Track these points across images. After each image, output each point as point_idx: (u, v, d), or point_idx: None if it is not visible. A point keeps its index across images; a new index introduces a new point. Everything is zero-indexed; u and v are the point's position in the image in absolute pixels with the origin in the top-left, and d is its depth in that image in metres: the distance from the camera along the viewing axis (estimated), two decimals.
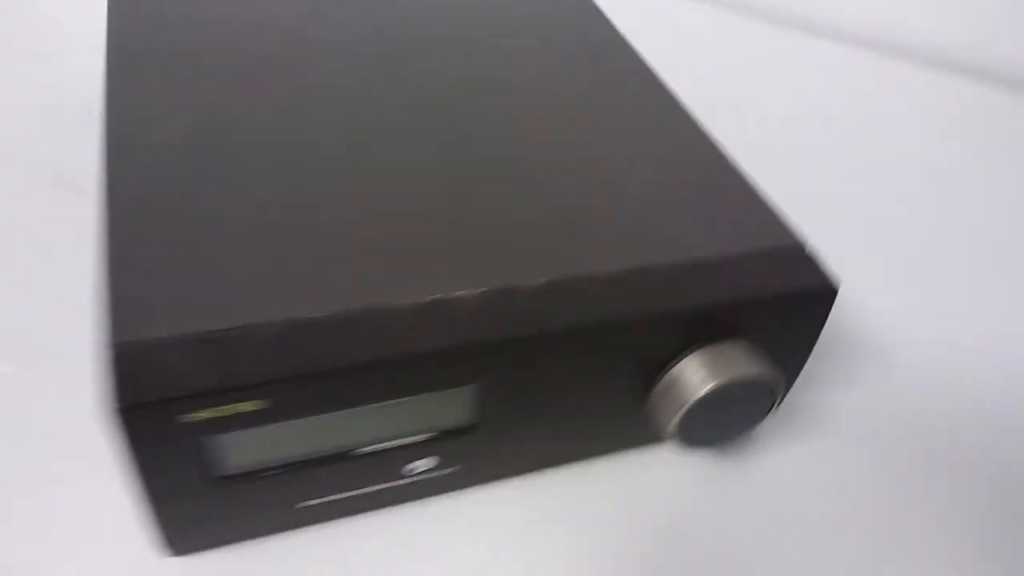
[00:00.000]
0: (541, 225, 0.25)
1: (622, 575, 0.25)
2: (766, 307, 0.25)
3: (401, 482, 0.25)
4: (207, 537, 0.24)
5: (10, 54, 0.45)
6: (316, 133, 0.27)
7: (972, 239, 0.40)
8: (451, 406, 0.23)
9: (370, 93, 0.30)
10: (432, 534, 0.25)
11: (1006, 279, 0.38)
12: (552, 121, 0.30)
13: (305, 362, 0.21)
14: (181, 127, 0.27)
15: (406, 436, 0.24)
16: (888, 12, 0.58)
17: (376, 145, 0.27)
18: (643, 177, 0.28)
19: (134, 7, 0.33)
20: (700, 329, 0.25)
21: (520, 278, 0.23)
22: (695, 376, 0.25)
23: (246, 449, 0.22)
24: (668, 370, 0.25)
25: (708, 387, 0.24)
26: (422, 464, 0.25)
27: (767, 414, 0.27)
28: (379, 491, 0.25)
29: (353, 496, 0.25)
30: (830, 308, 0.26)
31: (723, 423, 0.26)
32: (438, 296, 0.22)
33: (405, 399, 0.22)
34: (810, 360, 0.28)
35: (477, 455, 0.25)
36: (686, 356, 0.25)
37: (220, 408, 0.20)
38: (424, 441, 0.24)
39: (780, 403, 0.27)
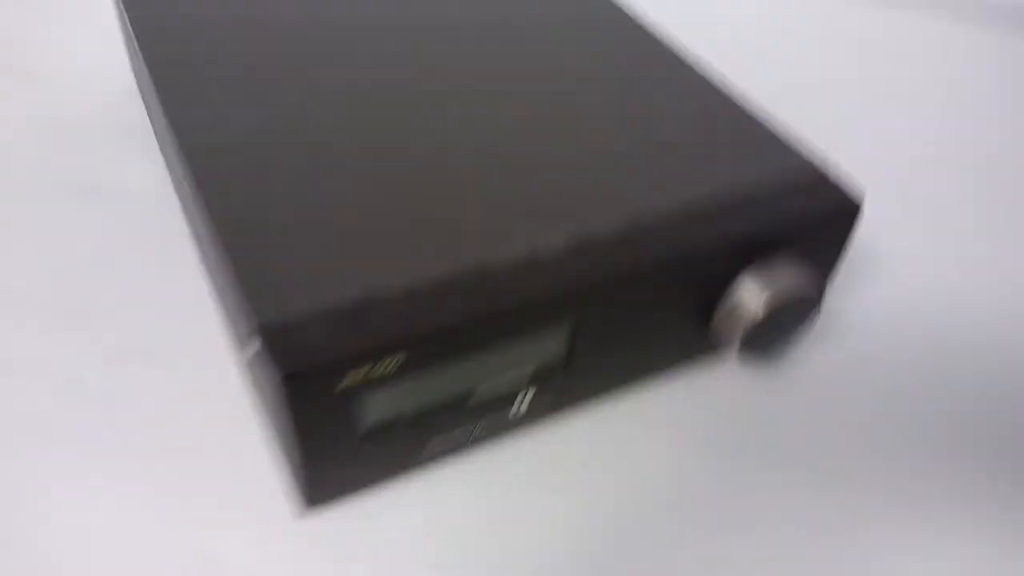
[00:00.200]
0: (598, 174, 0.28)
1: (707, 470, 0.29)
2: (805, 225, 0.28)
3: (505, 417, 0.27)
4: (342, 488, 0.26)
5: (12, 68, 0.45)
6: (374, 115, 0.29)
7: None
8: (549, 345, 0.26)
9: (408, 74, 0.32)
10: (537, 461, 0.28)
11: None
12: (583, 88, 0.32)
13: (436, 318, 0.23)
14: (247, 121, 0.29)
15: (513, 375, 0.26)
16: None
17: (431, 118, 0.29)
18: (677, 127, 0.30)
19: (156, 13, 0.34)
20: (753, 251, 0.28)
21: (596, 222, 0.26)
22: (755, 294, 0.28)
23: (385, 404, 0.24)
24: (730, 291, 0.28)
25: (768, 302, 0.27)
26: (524, 399, 0.27)
27: (812, 322, 0.30)
28: (487, 427, 0.27)
29: (465, 435, 0.27)
30: (856, 221, 0.30)
31: (777, 335, 0.29)
32: (532, 246, 0.25)
33: (514, 342, 0.25)
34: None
35: (568, 387, 0.28)
36: (744, 277, 0.28)
37: (368, 369, 0.22)
38: (526, 378, 0.26)
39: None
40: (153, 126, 0.39)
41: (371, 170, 0.27)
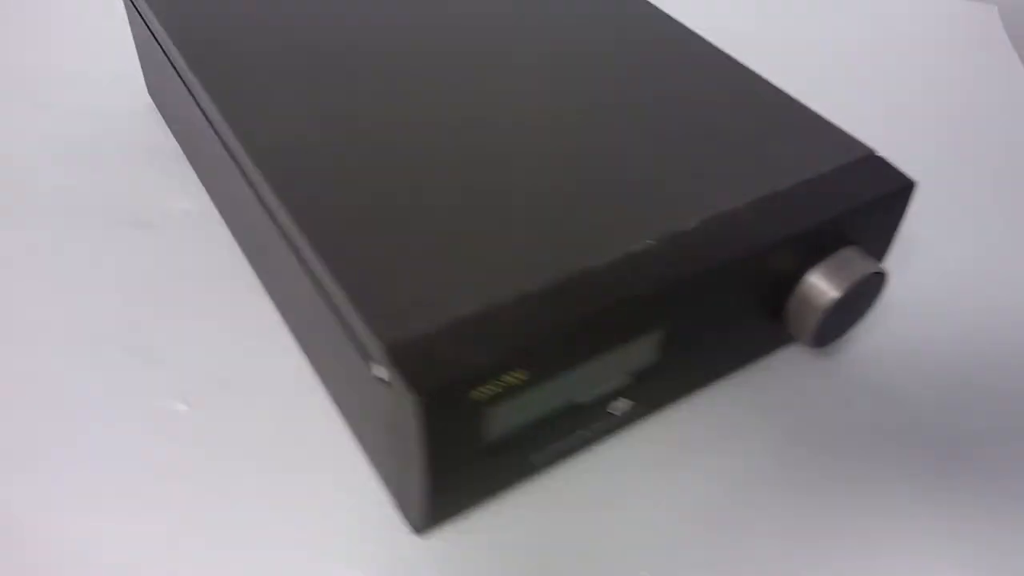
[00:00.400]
0: (670, 174, 0.28)
1: (791, 456, 0.30)
2: (867, 208, 0.29)
3: (606, 420, 0.28)
4: (457, 506, 0.26)
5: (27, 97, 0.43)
6: (448, 120, 0.30)
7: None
8: (648, 345, 0.27)
9: (470, 78, 0.32)
10: (630, 462, 0.29)
11: None
12: (636, 89, 0.32)
13: (559, 324, 0.23)
14: (320, 131, 0.29)
15: (617, 377, 0.27)
16: None
17: (507, 126, 0.30)
18: (732, 121, 0.31)
19: (191, 24, 0.34)
20: (821, 238, 0.29)
21: (680, 222, 0.27)
22: (827, 282, 0.29)
23: (508, 416, 0.24)
24: (801, 281, 0.29)
25: (841, 289, 0.28)
26: (620, 403, 0.28)
27: (873, 305, 0.31)
28: (591, 431, 0.28)
29: (571, 440, 0.28)
30: (909, 203, 0.31)
31: (844, 320, 0.30)
32: (625, 251, 0.25)
33: (625, 343, 0.25)
34: None
35: (659, 387, 0.29)
36: (813, 266, 0.29)
37: (498, 381, 0.22)
38: (628, 379, 0.27)
39: None
40: (187, 144, 0.38)
41: (458, 178, 0.27)
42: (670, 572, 0.26)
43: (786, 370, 0.32)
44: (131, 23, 0.40)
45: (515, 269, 0.24)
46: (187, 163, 0.39)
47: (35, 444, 0.28)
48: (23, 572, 0.25)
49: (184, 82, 0.33)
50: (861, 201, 0.29)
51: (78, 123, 0.41)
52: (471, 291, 0.24)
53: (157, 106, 0.42)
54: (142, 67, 0.41)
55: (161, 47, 0.35)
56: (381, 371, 0.23)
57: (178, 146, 0.40)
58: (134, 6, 0.37)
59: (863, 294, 0.30)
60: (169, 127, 0.41)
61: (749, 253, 0.27)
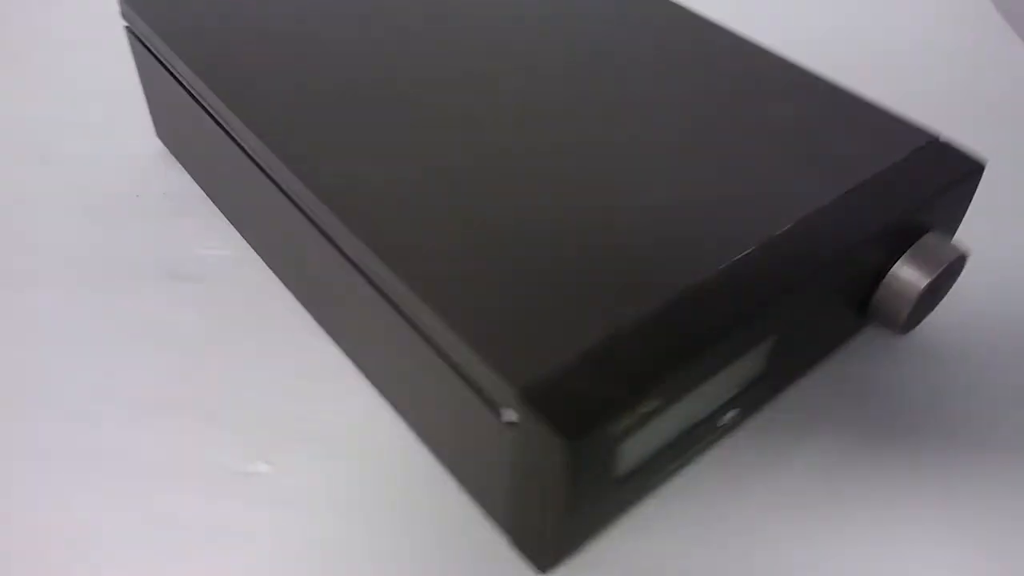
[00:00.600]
0: (750, 182, 0.28)
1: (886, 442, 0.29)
2: (941, 196, 0.29)
3: (713, 431, 0.27)
4: (581, 539, 0.25)
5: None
6: (511, 143, 0.29)
7: None
8: (757, 357, 0.26)
9: (528, 99, 0.31)
10: (732, 468, 0.28)
11: None
12: (693, 97, 0.32)
13: (683, 349, 0.22)
14: (381, 164, 0.27)
15: (728, 393, 0.26)
16: None
17: (574, 148, 0.29)
18: (795, 120, 0.31)
19: (213, 56, 0.32)
20: (905, 229, 0.28)
21: (772, 228, 0.26)
22: (914, 270, 0.28)
23: (640, 446, 0.23)
24: (888, 272, 0.29)
25: (929, 275, 0.28)
26: (729, 413, 0.27)
27: (951, 287, 0.31)
28: (697, 448, 0.27)
29: (682, 458, 0.27)
30: (978, 183, 0.31)
31: (928, 304, 0.30)
32: (729, 261, 0.25)
33: (738, 360, 0.25)
34: None
35: (758, 393, 0.28)
36: (899, 255, 0.29)
37: (634, 413, 0.21)
38: (736, 393, 0.26)
39: None
40: (216, 187, 0.36)
41: (549, 206, 0.26)
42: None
43: (864, 355, 0.32)
44: (139, 64, 0.38)
45: (626, 293, 0.24)
46: (212, 206, 0.37)
47: (109, 528, 0.26)
48: None
49: (218, 122, 0.31)
50: (939, 186, 0.29)
51: (88, 175, 0.39)
52: (588, 322, 0.23)
53: (171, 150, 0.40)
54: (151, 110, 0.39)
55: (185, 87, 0.33)
56: (511, 415, 0.22)
57: (199, 189, 0.38)
58: (145, 46, 0.35)
59: (947, 278, 0.30)
60: (188, 170, 0.39)
61: (846, 249, 0.26)
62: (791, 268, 0.25)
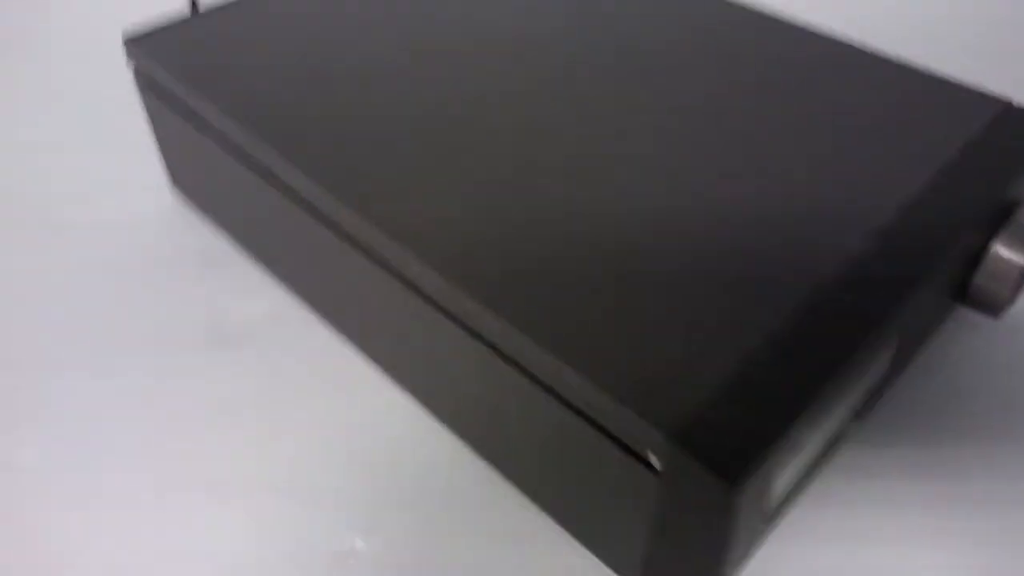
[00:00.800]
0: (837, 173, 0.27)
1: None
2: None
3: (835, 446, 0.26)
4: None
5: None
6: (585, 164, 0.27)
7: None
8: (882, 362, 0.24)
9: (600, 116, 0.29)
10: (853, 475, 0.27)
11: None
12: (763, 96, 0.30)
13: (821, 365, 0.21)
14: (454, 203, 0.25)
15: (856, 403, 0.25)
16: None
17: (653, 164, 0.27)
18: (860, 105, 0.29)
19: (246, 97, 0.30)
20: (1000, 204, 0.27)
21: (875, 221, 0.25)
22: (1012, 249, 0.27)
23: (789, 474, 0.22)
24: (987, 253, 0.27)
25: None
26: (853, 422, 0.26)
27: None
28: (824, 461, 0.26)
29: (811, 475, 0.25)
30: None
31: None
32: (842, 263, 0.23)
33: (871, 366, 0.23)
34: None
35: (873, 398, 0.27)
36: (995, 235, 0.27)
37: (787, 440, 0.20)
38: (861, 402, 0.25)
39: None
40: (252, 238, 0.34)
41: (644, 232, 0.24)
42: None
43: (959, 341, 0.31)
44: (150, 112, 0.35)
45: (748, 310, 0.22)
46: (245, 260, 0.35)
47: None
48: None
49: (259, 167, 0.29)
50: (1019, 159, 0.28)
51: (105, 238, 0.36)
52: (719, 348, 0.21)
53: (192, 201, 0.37)
54: (165, 161, 0.37)
55: (213, 132, 0.31)
56: (655, 461, 0.20)
57: (228, 243, 0.36)
58: (157, 92, 0.33)
59: None
60: (214, 222, 0.36)
61: (956, 234, 0.25)
62: (908, 261, 0.24)
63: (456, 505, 0.27)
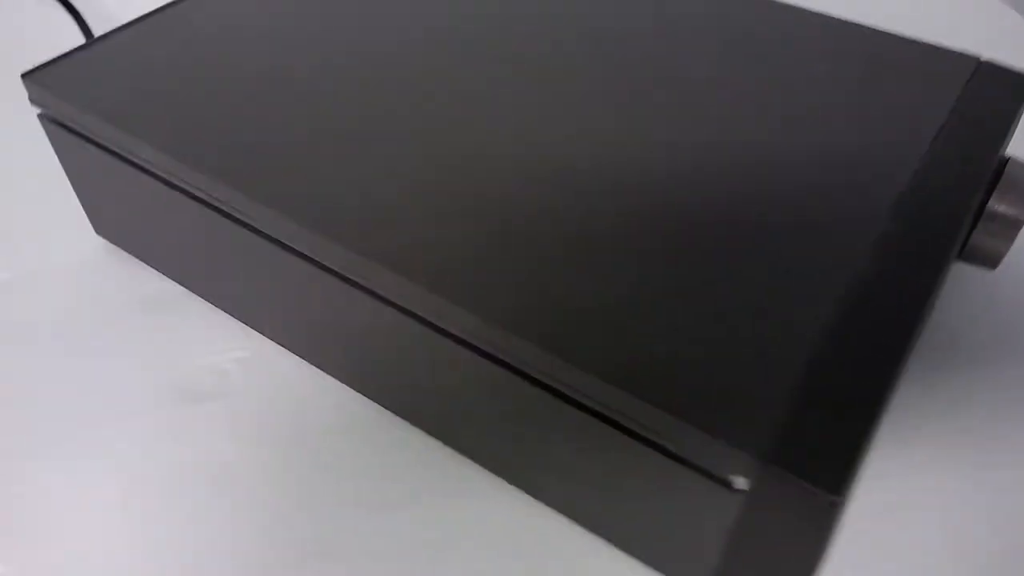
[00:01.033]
0: (839, 151, 0.26)
1: None
2: (1008, 119, 0.28)
3: None
4: None
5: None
6: (595, 169, 0.25)
7: None
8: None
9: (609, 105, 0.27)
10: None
11: None
12: (765, 83, 0.29)
13: (881, 354, 0.20)
14: (461, 225, 0.23)
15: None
16: None
17: (677, 157, 0.26)
18: (841, 77, 0.29)
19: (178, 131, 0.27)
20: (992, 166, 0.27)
21: (890, 195, 0.24)
22: (1009, 205, 0.27)
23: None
24: (986, 209, 0.27)
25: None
26: None
27: None
28: None
29: None
30: None
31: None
32: (872, 242, 0.23)
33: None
34: None
35: None
36: (992, 192, 0.27)
37: (867, 438, 0.19)
38: None
39: None
40: (214, 281, 0.31)
41: (685, 235, 0.23)
42: None
43: (959, 295, 0.31)
44: (63, 154, 0.31)
45: (793, 311, 0.21)
46: (191, 299, 0.32)
47: None
48: None
49: (184, 192, 0.27)
50: (1011, 111, 0.28)
51: (30, 296, 0.32)
52: (777, 354, 0.20)
53: (124, 245, 0.33)
54: (85, 205, 0.33)
55: (134, 163, 0.28)
56: (740, 482, 0.19)
57: (168, 283, 0.32)
58: (73, 132, 0.29)
59: None
60: (148, 263, 0.33)
61: (969, 199, 0.25)
62: (934, 234, 0.23)
63: (507, 544, 0.25)
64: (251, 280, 0.28)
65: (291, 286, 0.27)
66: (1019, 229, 0.27)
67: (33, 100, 0.30)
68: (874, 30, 0.31)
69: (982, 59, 0.30)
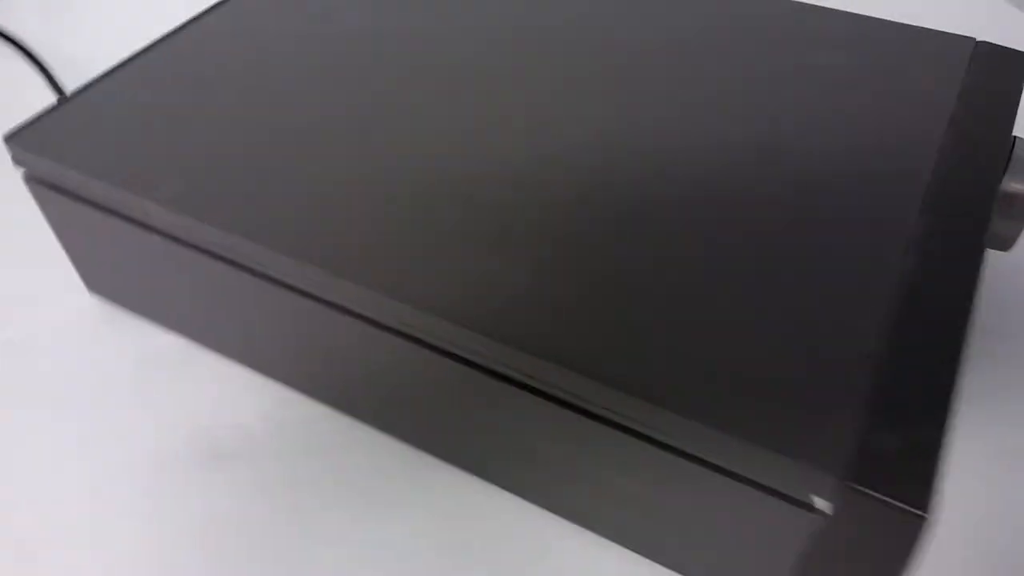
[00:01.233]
0: (855, 147, 0.26)
1: None
2: (1016, 101, 0.28)
3: None
4: None
5: None
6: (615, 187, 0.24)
7: None
8: None
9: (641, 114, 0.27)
10: None
11: None
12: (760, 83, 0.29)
13: (944, 356, 0.20)
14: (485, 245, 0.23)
15: None
16: None
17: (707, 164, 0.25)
18: (845, 69, 0.29)
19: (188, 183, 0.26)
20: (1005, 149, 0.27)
21: (917, 188, 0.24)
22: (1021, 185, 0.27)
23: None
24: (1000, 192, 0.28)
25: None
26: None
27: None
28: None
29: None
30: None
31: None
32: (907, 237, 0.23)
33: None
34: None
35: None
36: (1005, 174, 0.27)
37: (943, 447, 0.19)
38: None
39: None
40: (223, 332, 0.30)
41: (736, 250, 0.23)
42: None
43: None
44: (50, 214, 0.30)
45: (846, 320, 0.21)
46: (199, 351, 0.31)
47: None
48: None
49: (178, 241, 0.26)
50: (1015, 90, 0.28)
51: (30, 359, 0.31)
52: (840, 368, 0.20)
53: (118, 303, 0.32)
54: (76, 263, 0.32)
55: (126, 215, 0.27)
56: (822, 504, 0.19)
57: (172, 337, 0.31)
58: (61, 192, 0.28)
59: None
60: (148, 318, 0.31)
61: (993, 185, 0.25)
62: (966, 225, 0.23)
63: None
64: (263, 328, 0.27)
65: (307, 329, 0.26)
66: None
67: (17, 161, 0.28)
68: (865, 17, 0.31)
69: (977, 39, 0.30)
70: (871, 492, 0.18)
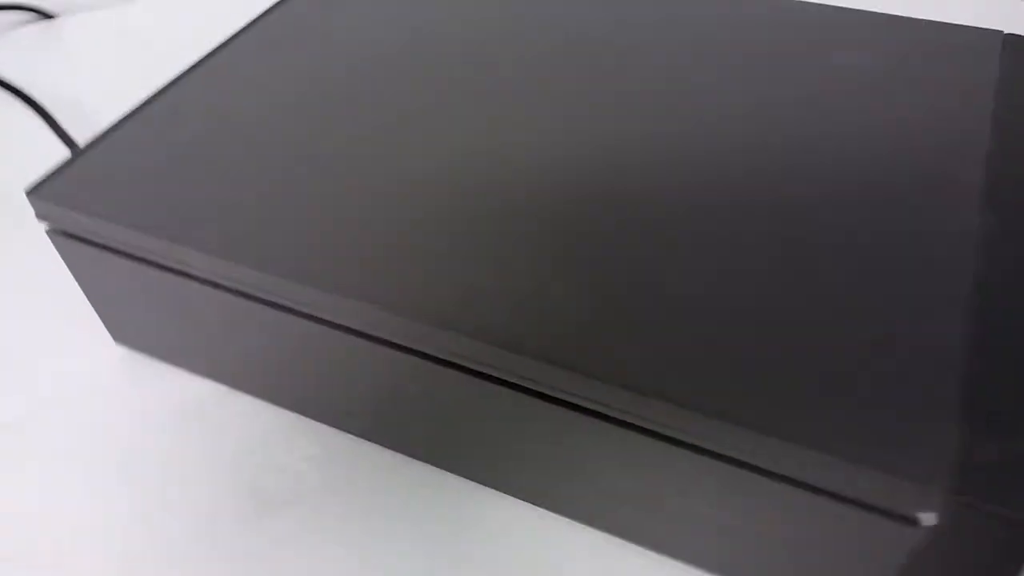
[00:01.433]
0: (900, 142, 0.26)
1: None
2: None
3: None
4: None
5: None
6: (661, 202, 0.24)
7: None
8: None
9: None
10: None
11: None
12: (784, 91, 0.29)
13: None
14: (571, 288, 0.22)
15: None
16: None
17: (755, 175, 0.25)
18: (876, 69, 0.29)
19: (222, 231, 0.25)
20: None
21: (974, 189, 0.24)
22: None
23: None
24: None
25: None
26: None
27: None
28: None
29: None
30: None
31: None
32: (973, 237, 0.22)
33: None
34: None
35: None
36: None
37: None
38: None
39: None
40: (260, 373, 0.29)
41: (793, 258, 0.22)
42: None
43: None
44: (76, 267, 0.29)
45: (930, 325, 0.21)
46: (237, 397, 0.30)
47: None
48: None
49: (210, 284, 0.25)
50: None
51: (62, 416, 0.30)
52: (930, 375, 0.19)
53: (146, 351, 0.31)
54: (102, 314, 0.31)
55: (153, 262, 0.26)
56: (928, 518, 0.18)
57: (204, 383, 0.30)
58: (91, 244, 0.27)
59: None
60: (177, 364, 0.31)
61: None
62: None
63: None
64: (303, 367, 0.27)
65: (348, 368, 0.25)
66: None
67: (40, 216, 0.27)
68: (887, 15, 0.31)
69: (1003, 32, 0.30)
70: (980, 504, 0.17)
